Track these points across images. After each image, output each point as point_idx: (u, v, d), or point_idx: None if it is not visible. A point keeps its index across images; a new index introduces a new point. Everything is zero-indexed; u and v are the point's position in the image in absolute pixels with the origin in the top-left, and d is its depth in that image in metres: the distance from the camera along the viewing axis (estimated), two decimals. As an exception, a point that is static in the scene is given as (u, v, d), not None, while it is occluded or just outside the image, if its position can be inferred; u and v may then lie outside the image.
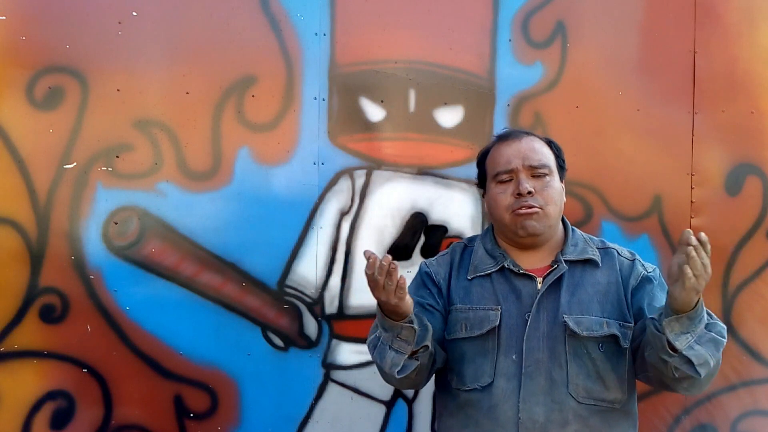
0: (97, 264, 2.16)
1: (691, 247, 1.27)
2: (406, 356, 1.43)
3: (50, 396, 2.16)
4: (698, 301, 1.32)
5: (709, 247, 1.29)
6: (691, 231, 1.30)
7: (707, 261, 1.28)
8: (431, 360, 1.50)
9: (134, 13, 2.17)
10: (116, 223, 2.17)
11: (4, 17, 2.11)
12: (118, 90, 2.17)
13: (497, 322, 1.49)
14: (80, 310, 2.15)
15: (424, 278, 1.65)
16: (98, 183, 2.16)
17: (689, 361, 1.34)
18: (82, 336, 2.15)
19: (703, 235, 1.29)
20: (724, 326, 1.42)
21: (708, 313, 1.40)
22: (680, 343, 1.33)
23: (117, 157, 2.17)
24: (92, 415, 2.18)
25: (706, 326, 1.37)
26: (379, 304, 1.41)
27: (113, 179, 2.17)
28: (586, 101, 2.39)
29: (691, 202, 2.44)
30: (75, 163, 2.15)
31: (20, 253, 2.12)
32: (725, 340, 1.39)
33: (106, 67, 2.16)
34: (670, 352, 1.34)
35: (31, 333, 2.13)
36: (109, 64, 2.16)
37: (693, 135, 2.44)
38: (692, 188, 2.44)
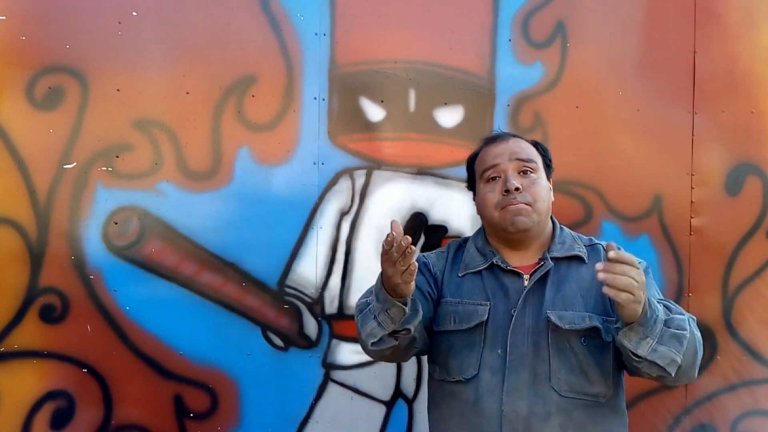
0: (97, 264, 2.16)
1: (606, 267, 1.26)
2: (387, 333, 1.41)
3: (50, 396, 2.16)
4: (644, 308, 1.31)
5: (625, 256, 1.26)
6: (611, 245, 1.27)
7: (630, 272, 1.25)
8: (411, 344, 1.50)
9: (134, 13, 2.17)
10: (116, 223, 2.17)
11: (4, 17, 2.11)
12: (118, 90, 2.17)
13: (485, 317, 1.51)
14: (80, 310, 2.15)
15: (421, 266, 1.64)
16: (98, 183, 2.16)
17: (656, 363, 1.35)
18: (82, 336, 2.15)
19: (613, 250, 1.26)
20: (684, 316, 1.40)
21: (667, 306, 1.41)
22: (642, 350, 1.34)
23: (117, 157, 2.17)
24: (92, 415, 2.18)
25: (665, 322, 1.36)
26: (382, 274, 1.38)
27: (113, 179, 2.17)
28: (586, 101, 2.39)
29: (691, 202, 2.44)
30: (75, 163, 2.15)
31: (20, 253, 2.12)
32: (687, 332, 1.37)
33: (106, 67, 2.16)
34: (636, 358, 1.36)
35: (31, 333, 2.13)
36: (109, 64, 2.16)
37: (693, 135, 2.44)
38: (692, 188, 2.44)
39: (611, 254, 1.26)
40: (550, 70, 2.37)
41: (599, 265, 1.27)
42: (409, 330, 1.42)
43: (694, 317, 1.52)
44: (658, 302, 1.41)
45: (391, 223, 1.31)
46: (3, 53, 2.10)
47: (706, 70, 2.45)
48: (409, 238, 1.29)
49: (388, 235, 1.31)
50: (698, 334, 1.46)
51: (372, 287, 1.49)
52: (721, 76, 2.45)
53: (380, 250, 1.34)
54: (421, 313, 1.46)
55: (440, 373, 1.56)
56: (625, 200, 2.41)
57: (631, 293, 1.25)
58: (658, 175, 2.42)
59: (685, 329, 1.37)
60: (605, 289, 1.26)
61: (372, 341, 1.44)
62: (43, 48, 2.13)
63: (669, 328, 1.36)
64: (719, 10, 2.46)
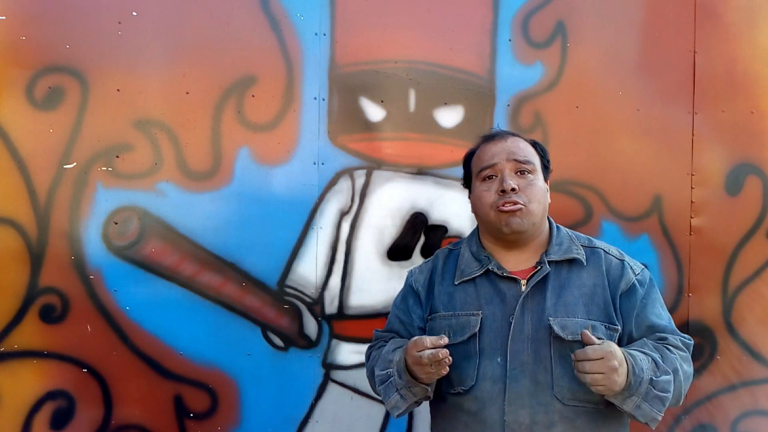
0: (97, 264, 2.16)
1: (576, 364, 1.37)
2: (410, 403, 1.51)
3: (50, 396, 2.16)
4: (628, 377, 1.36)
5: (588, 353, 1.35)
6: (583, 334, 1.38)
7: (594, 366, 1.34)
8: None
9: (134, 13, 2.17)
10: (116, 223, 2.17)
11: (4, 17, 2.11)
12: (118, 90, 2.17)
13: (477, 328, 1.51)
14: (80, 310, 2.15)
15: (407, 291, 1.70)
16: (98, 183, 2.16)
17: (638, 418, 1.42)
18: (82, 336, 2.15)
19: (579, 350, 1.37)
20: (670, 378, 1.43)
21: (655, 361, 1.42)
22: (627, 407, 1.40)
23: (117, 157, 2.17)
24: (92, 415, 2.18)
25: (651, 381, 1.39)
26: (408, 361, 1.45)
27: (113, 179, 2.17)
28: (586, 101, 2.39)
29: (691, 202, 2.44)
30: (75, 163, 2.15)
31: (20, 253, 2.12)
32: (670, 395, 1.42)
33: (106, 67, 2.16)
34: (622, 408, 1.41)
35: (31, 333, 2.13)
36: (109, 64, 2.16)
37: (693, 135, 2.45)
38: (692, 188, 2.44)
39: (576, 354, 1.37)
40: (550, 70, 2.37)
41: (575, 355, 1.37)
42: (428, 397, 1.52)
43: (690, 342, 1.54)
44: (646, 355, 1.43)
45: (442, 337, 1.39)
46: (3, 53, 2.10)
47: (706, 70, 2.45)
48: (447, 352, 1.38)
49: (433, 342, 1.38)
50: (689, 369, 1.50)
51: (390, 357, 1.54)
52: (721, 76, 2.46)
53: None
54: (435, 380, 1.52)
55: (444, 386, 1.55)
56: (625, 200, 2.41)
57: (601, 384, 1.34)
58: (658, 175, 2.42)
59: (668, 391, 1.41)
60: (580, 377, 1.37)
61: (398, 413, 1.52)
62: (43, 48, 2.13)
63: (654, 388, 1.40)
64: (719, 10, 2.46)
